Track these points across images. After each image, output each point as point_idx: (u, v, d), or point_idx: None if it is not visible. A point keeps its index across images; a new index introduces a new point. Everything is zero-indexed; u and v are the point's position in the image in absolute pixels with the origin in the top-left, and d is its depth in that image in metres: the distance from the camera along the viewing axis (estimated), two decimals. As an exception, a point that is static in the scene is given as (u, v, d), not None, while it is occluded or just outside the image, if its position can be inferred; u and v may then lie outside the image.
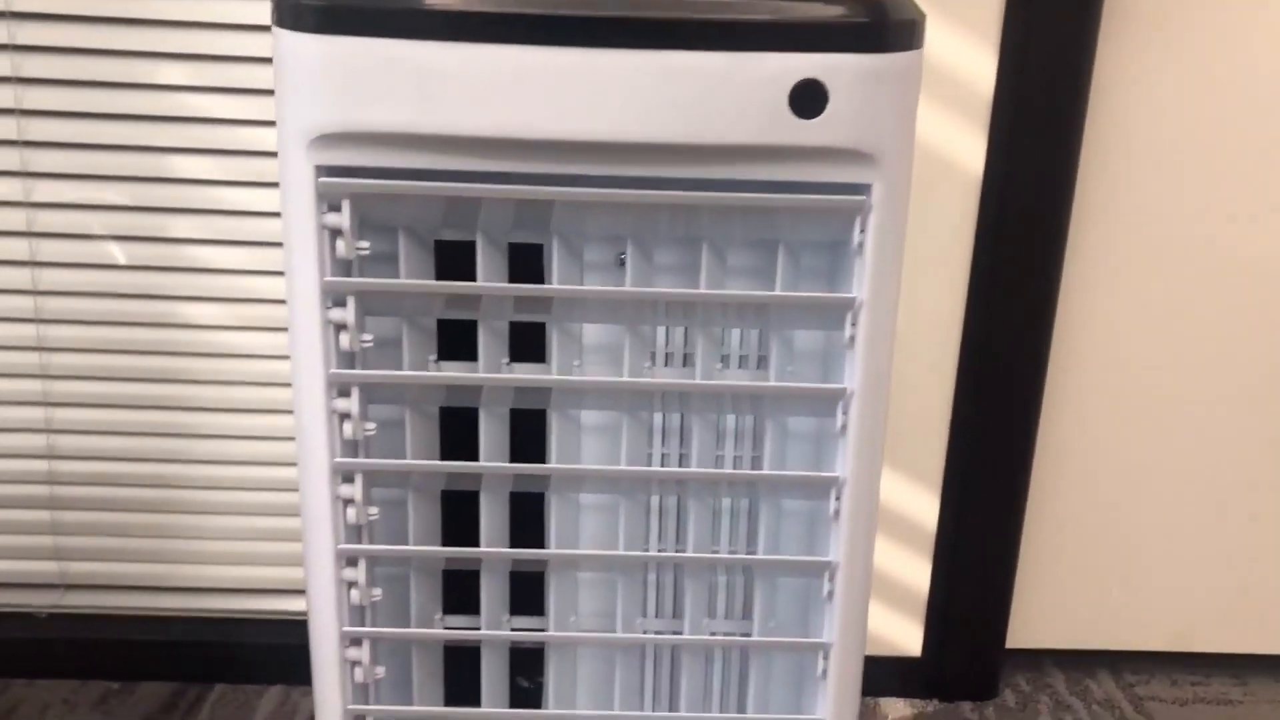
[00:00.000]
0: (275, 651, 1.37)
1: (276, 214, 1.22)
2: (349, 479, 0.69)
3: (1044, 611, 1.45)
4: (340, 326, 0.67)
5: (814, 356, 0.74)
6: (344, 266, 0.67)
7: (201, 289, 1.28)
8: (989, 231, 1.23)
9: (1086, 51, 1.18)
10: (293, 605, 1.40)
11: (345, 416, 0.68)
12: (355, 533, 0.71)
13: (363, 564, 0.70)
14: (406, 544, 0.73)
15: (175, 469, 1.34)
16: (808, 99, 0.61)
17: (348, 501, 0.70)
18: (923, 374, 1.29)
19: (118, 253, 1.27)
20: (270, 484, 1.35)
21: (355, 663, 0.72)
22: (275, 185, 1.22)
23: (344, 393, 0.68)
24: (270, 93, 1.19)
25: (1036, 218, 1.23)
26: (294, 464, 1.31)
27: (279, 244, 1.23)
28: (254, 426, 1.33)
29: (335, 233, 0.65)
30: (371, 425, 0.69)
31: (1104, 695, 1.43)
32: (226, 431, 1.33)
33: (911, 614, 1.39)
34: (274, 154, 1.21)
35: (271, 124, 1.20)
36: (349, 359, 0.69)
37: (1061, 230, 1.24)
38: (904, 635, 1.40)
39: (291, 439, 1.32)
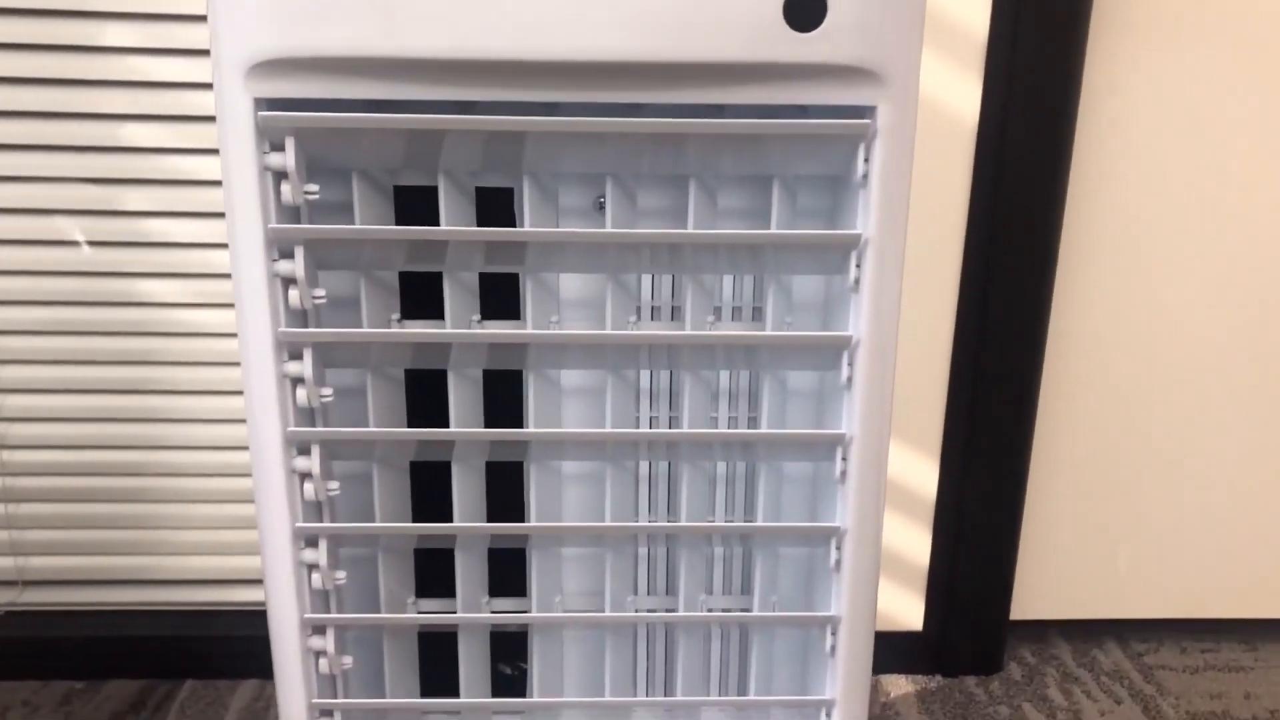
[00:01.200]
0: (247, 644, 1.31)
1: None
2: (305, 451, 0.63)
3: (1048, 582, 1.40)
4: (289, 281, 0.60)
5: (813, 307, 0.68)
6: (291, 214, 0.60)
7: (159, 264, 1.21)
8: (985, 191, 1.17)
9: (1077, 57, 1.13)
10: (261, 595, 1.33)
11: (298, 382, 0.61)
12: (314, 510, 0.65)
13: (323, 544, 0.64)
14: (371, 521, 0.66)
15: (133, 455, 1.27)
16: (804, 9, 0.54)
17: (304, 476, 0.63)
18: (919, 342, 1.23)
19: (67, 227, 1.19)
20: (235, 469, 1.28)
21: (319, 652, 0.66)
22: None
23: (295, 355, 0.61)
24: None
25: (1035, 173, 1.17)
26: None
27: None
28: (217, 409, 1.26)
29: (280, 175, 0.58)
30: (328, 391, 0.62)
31: (1112, 665, 1.38)
32: (188, 415, 1.26)
33: (912, 587, 1.34)
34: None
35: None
36: (300, 318, 0.62)
37: (1061, 185, 1.18)
38: (905, 609, 1.34)
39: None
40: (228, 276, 1.19)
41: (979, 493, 1.31)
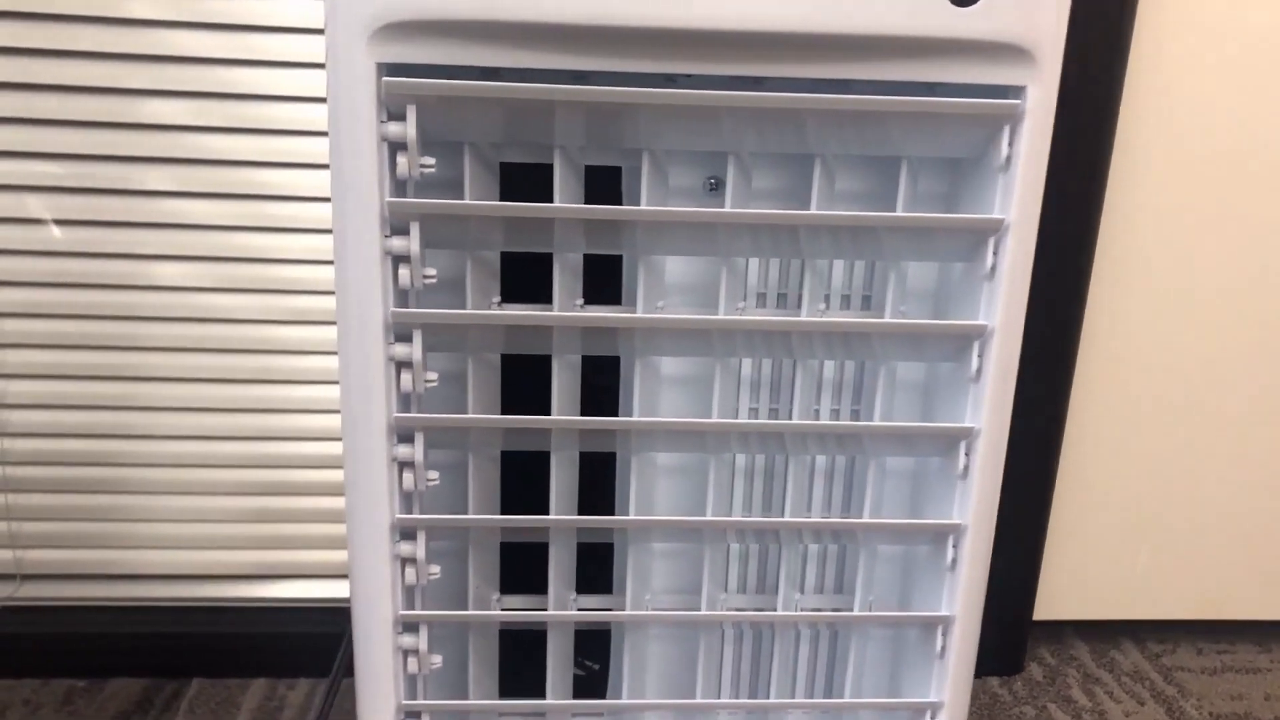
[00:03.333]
0: (258, 641, 1.27)
1: (254, 163, 1.13)
2: (407, 439, 0.59)
3: (1068, 582, 1.39)
4: (401, 259, 0.56)
5: (924, 296, 0.66)
6: (400, 189, 0.57)
7: (170, 246, 1.16)
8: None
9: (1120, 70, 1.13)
10: (272, 591, 1.29)
11: (404, 365, 0.58)
12: (409, 502, 0.61)
13: (421, 537, 0.60)
14: (463, 515, 0.63)
15: (137, 445, 1.22)
16: (965, -18, 0.52)
17: (405, 465, 0.60)
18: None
19: (72, 206, 1.14)
20: (243, 460, 1.24)
21: (410, 651, 0.62)
22: (253, 131, 1.12)
23: (403, 337, 0.58)
24: (246, 28, 1.09)
25: (1072, 189, 1.16)
26: (267, 438, 1.22)
27: (258, 195, 1.13)
28: (223, 398, 1.21)
29: (396, 147, 0.55)
30: (433, 376, 0.59)
31: (1131, 666, 1.38)
32: (192, 404, 1.21)
33: (937, 587, 1.32)
34: (254, 97, 1.11)
35: (253, 63, 1.10)
36: (402, 300, 0.59)
37: (1098, 196, 1.18)
38: (930, 609, 1.33)
39: (263, 410, 1.22)
40: (247, 260, 1.16)
41: (1006, 495, 1.29)
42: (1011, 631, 1.35)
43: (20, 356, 1.18)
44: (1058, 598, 1.40)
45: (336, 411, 1.19)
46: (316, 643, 1.26)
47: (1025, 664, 1.37)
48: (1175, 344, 1.30)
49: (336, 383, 1.13)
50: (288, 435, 1.24)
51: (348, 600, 0.65)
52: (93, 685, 1.25)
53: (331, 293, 1.07)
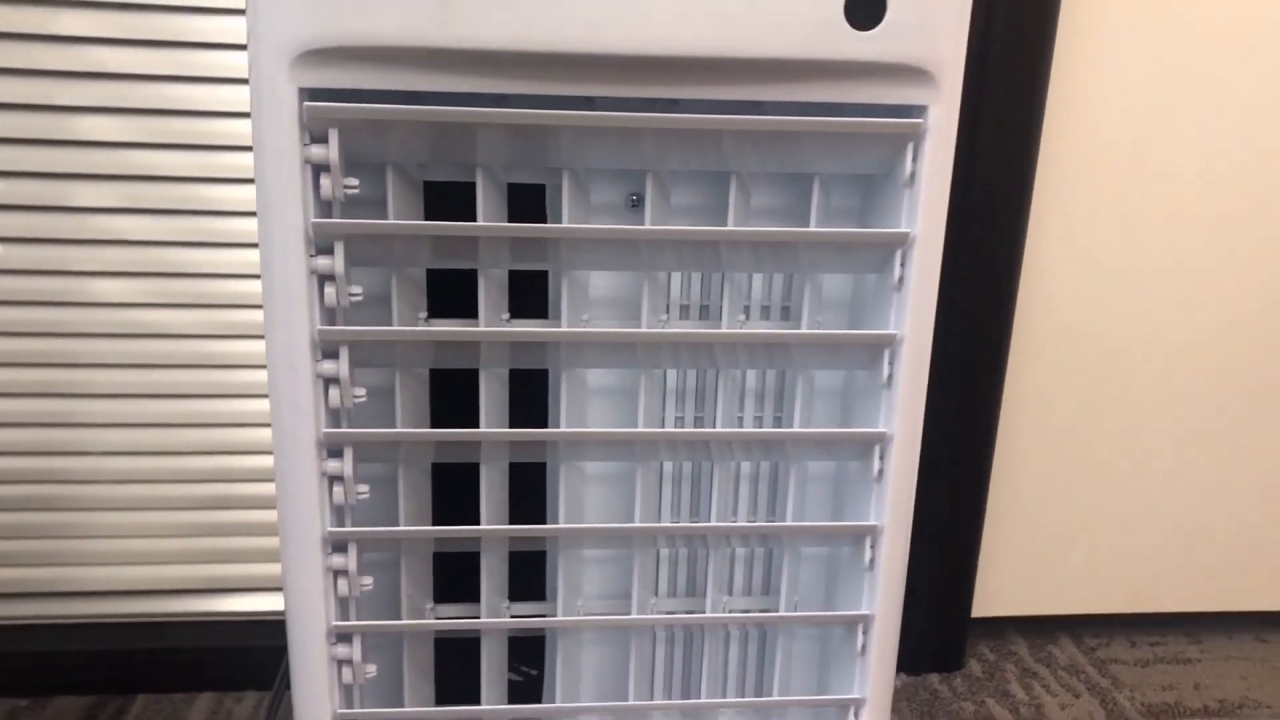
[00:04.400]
0: (203, 655, 1.27)
1: (190, 179, 1.13)
2: (336, 453, 0.61)
3: (1005, 580, 1.43)
4: (325, 278, 0.58)
5: (839, 306, 0.68)
6: (325, 210, 0.58)
7: (107, 262, 1.16)
8: (953, 196, 1.18)
9: (1044, 64, 1.16)
10: (216, 605, 1.29)
11: (332, 382, 0.59)
12: (340, 515, 0.63)
13: (352, 549, 0.62)
14: (394, 527, 0.64)
15: (78, 462, 1.22)
16: (865, 7, 0.54)
17: (334, 479, 0.61)
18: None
19: (7, 224, 1.14)
20: (185, 475, 1.24)
21: (344, 661, 0.64)
22: (190, 147, 1.13)
23: (330, 354, 0.59)
24: (179, 45, 1.09)
25: (1001, 180, 1.19)
26: (208, 452, 1.23)
27: (198, 211, 1.14)
28: (163, 413, 1.22)
29: (319, 169, 0.56)
30: (361, 392, 0.61)
31: (1068, 660, 1.41)
32: (132, 419, 1.22)
33: (876, 586, 1.35)
34: (188, 113, 1.12)
35: (184, 80, 1.10)
36: (329, 318, 0.60)
37: (1027, 188, 1.21)
38: (869, 608, 1.35)
39: (208, 425, 1.22)
40: (185, 275, 1.16)
41: (941, 495, 1.32)
42: (951, 629, 1.38)
43: (-45, 375, 1.18)
44: (997, 595, 1.43)
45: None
46: (262, 656, 1.26)
47: (965, 660, 1.40)
48: (1103, 347, 1.33)
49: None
50: (229, 449, 1.24)
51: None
52: (35, 704, 1.24)
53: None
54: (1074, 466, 1.39)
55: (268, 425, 1.21)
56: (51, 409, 1.20)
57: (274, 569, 1.28)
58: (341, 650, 0.63)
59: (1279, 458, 1.41)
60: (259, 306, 1.17)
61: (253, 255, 1.17)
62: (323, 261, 0.57)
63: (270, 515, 1.26)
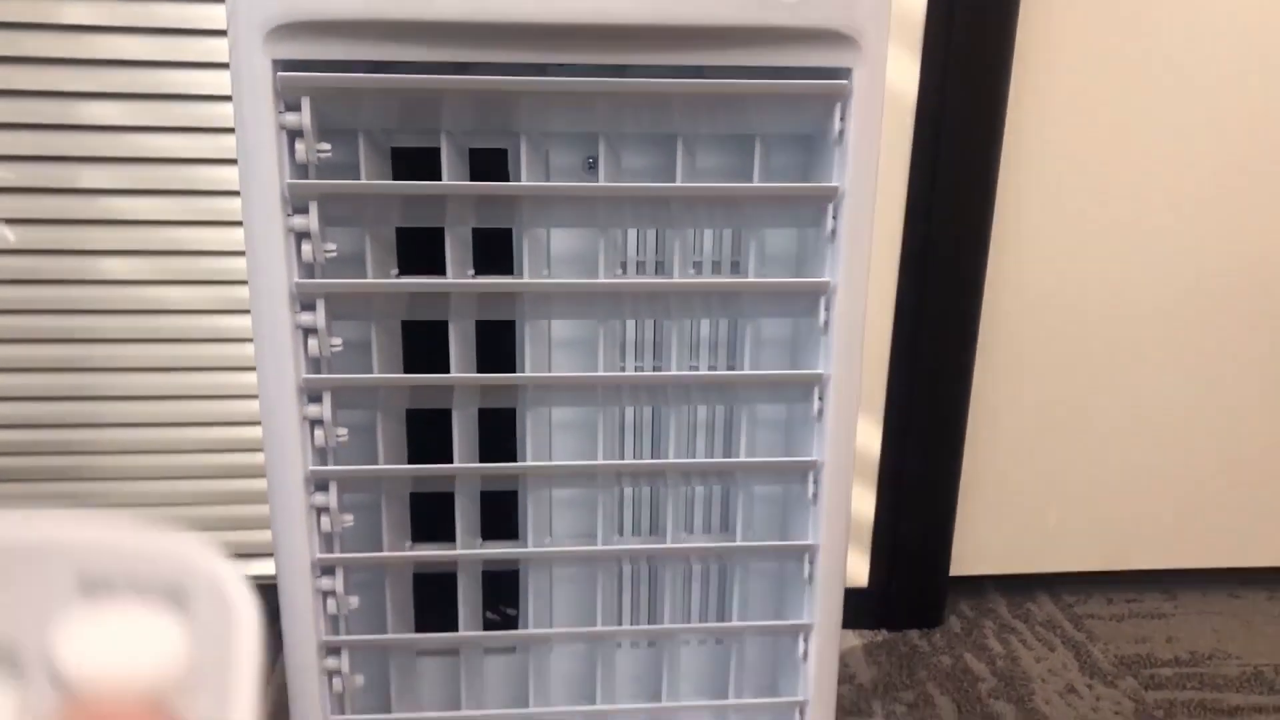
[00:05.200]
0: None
1: (194, 160, 1.18)
2: (315, 399, 0.66)
3: (984, 539, 1.47)
4: (302, 235, 0.63)
5: (786, 259, 0.73)
6: (301, 172, 0.64)
7: (115, 241, 1.22)
8: (925, 159, 1.23)
9: (1009, 35, 1.20)
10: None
11: (309, 333, 0.65)
12: (320, 458, 0.68)
13: (333, 487, 0.67)
14: (373, 466, 0.70)
15: (93, 434, 1.28)
16: (788, -24, 0.59)
17: (315, 423, 0.66)
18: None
19: (18, 206, 1.20)
20: (192, 445, 1.30)
21: (328, 593, 0.69)
22: (193, 130, 1.18)
23: (308, 306, 0.64)
24: (181, 32, 1.15)
25: (970, 141, 1.24)
26: (218, 423, 1.28)
27: (200, 191, 1.19)
28: (174, 385, 1.27)
29: (294, 134, 0.62)
30: (337, 341, 0.66)
31: (1045, 616, 1.46)
32: (144, 392, 1.27)
33: (858, 547, 1.40)
34: (191, 97, 1.17)
35: (186, 65, 1.16)
36: (308, 274, 0.65)
37: (994, 155, 1.25)
38: (851, 567, 1.40)
39: (214, 397, 1.28)
40: (189, 253, 1.22)
41: (919, 457, 1.37)
42: (930, 587, 1.43)
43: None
44: (976, 555, 1.48)
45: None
46: (274, 615, 1.32)
47: (945, 617, 1.45)
48: (1076, 308, 1.38)
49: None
50: (235, 420, 1.29)
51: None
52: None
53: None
54: (1050, 427, 1.43)
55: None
56: (64, 383, 1.26)
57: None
58: (325, 582, 0.69)
59: (1254, 418, 1.45)
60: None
61: (252, 233, 1.22)
62: (299, 220, 0.62)
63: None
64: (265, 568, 1.34)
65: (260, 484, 1.31)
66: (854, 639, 1.40)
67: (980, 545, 1.47)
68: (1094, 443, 1.45)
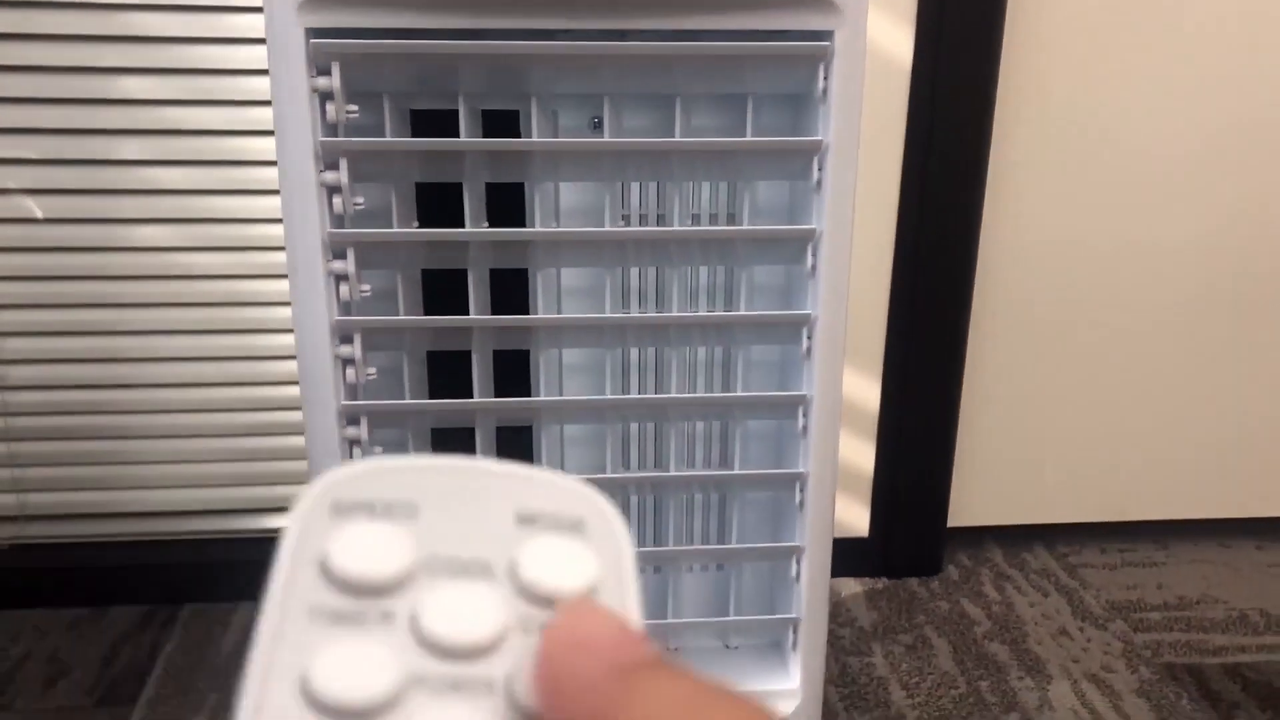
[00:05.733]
0: (243, 568, 1.39)
1: (223, 131, 1.24)
2: (347, 340, 0.72)
3: (982, 492, 1.53)
4: (333, 190, 0.69)
5: (778, 211, 0.79)
6: (331, 131, 0.70)
7: (146, 210, 1.29)
8: (921, 119, 1.29)
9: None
10: (254, 524, 1.42)
11: (342, 279, 0.71)
12: (353, 393, 0.74)
13: (364, 422, 0.73)
14: (399, 401, 0.76)
15: (126, 395, 1.35)
16: (775, -53, 0.65)
17: (347, 362, 0.73)
18: (860, 272, 1.34)
19: (53, 178, 1.26)
20: (223, 405, 1.36)
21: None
22: (222, 103, 1.24)
23: (339, 255, 0.71)
24: (211, 9, 1.21)
25: (964, 107, 1.29)
26: (244, 384, 1.35)
27: (229, 161, 1.25)
28: (203, 348, 1.34)
29: (324, 97, 0.68)
30: (366, 287, 0.72)
31: (1040, 565, 1.52)
32: (174, 354, 1.34)
33: (859, 498, 1.46)
34: (221, 71, 1.23)
35: (216, 41, 1.22)
36: (338, 225, 0.72)
37: (989, 113, 1.30)
38: (853, 518, 1.46)
39: (241, 359, 1.34)
40: (218, 221, 1.28)
41: (917, 411, 1.43)
42: (929, 537, 1.49)
43: (15, 316, 1.30)
44: (974, 507, 1.54)
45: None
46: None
47: (944, 566, 1.51)
48: (1073, 262, 1.43)
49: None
50: (260, 381, 1.36)
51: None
52: (95, 613, 1.37)
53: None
54: (1047, 382, 1.48)
55: (291, 358, 1.33)
56: (98, 346, 1.33)
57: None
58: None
59: (1248, 370, 1.50)
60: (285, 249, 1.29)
61: (276, 201, 1.28)
62: (330, 175, 0.69)
63: (297, 441, 1.38)
64: (278, 522, 1.41)
65: (284, 441, 1.38)
66: (855, 586, 1.46)
67: (978, 497, 1.53)
68: (1090, 397, 1.50)
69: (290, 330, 1.32)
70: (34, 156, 1.25)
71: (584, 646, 0.21)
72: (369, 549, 0.23)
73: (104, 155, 1.26)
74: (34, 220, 1.27)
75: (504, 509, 0.24)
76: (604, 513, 0.25)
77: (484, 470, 0.25)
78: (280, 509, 1.42)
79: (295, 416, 1.37)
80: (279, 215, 1.26)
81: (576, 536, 0.24)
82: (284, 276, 1.29)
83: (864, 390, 1.41)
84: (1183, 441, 1.53)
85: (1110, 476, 1.55)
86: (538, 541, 0.24)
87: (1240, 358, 1.49)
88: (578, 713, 0.20)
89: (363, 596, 0.22)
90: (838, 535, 1.44)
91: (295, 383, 1.33)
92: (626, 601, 0.24)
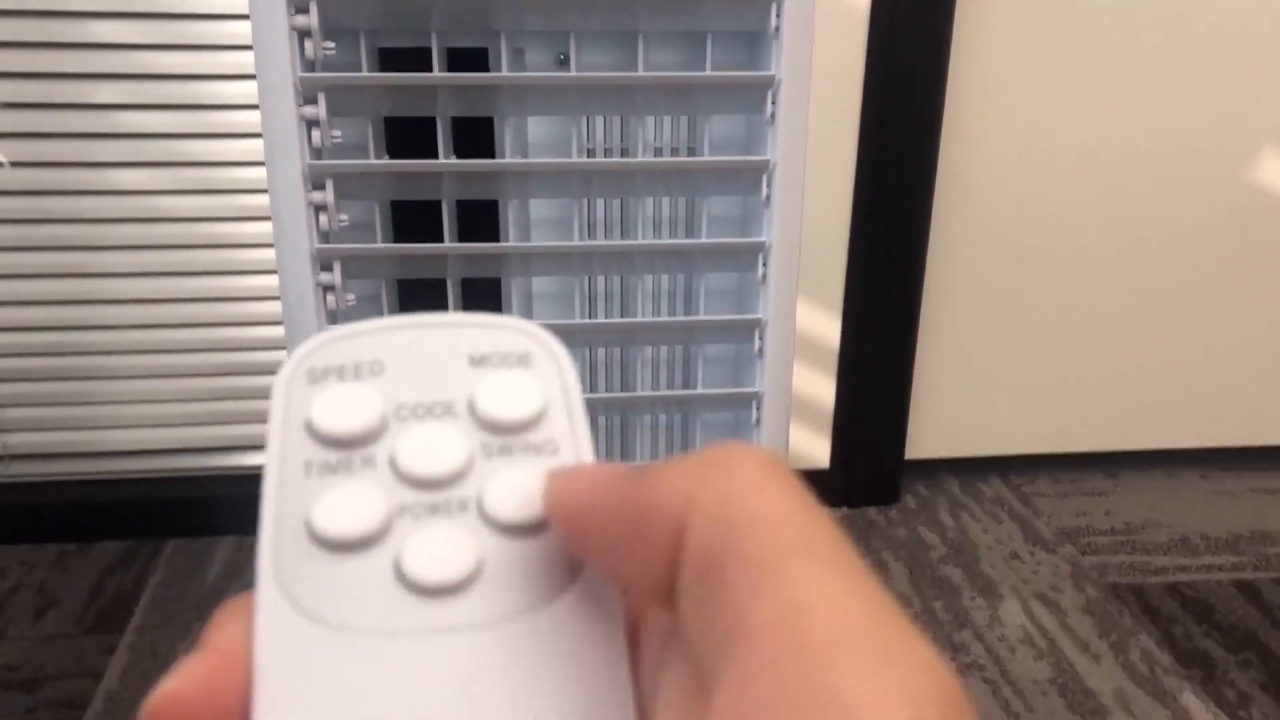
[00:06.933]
0: (225, 504, 1.44)
1: (198, 76, 1.27)
2: (327, 267, 0.76)
3: (939, 424, 1.59)
4: (313, 123, 0.73)
5: (736, 144, 0.83)
6: (309, 68, 0.73)
7: (122, 154, 1.31)
8: (877, 59, 1.33)
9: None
10: (234, 461, 1.46)
11: (321, 209, 0.75)
12: (334, 319, 0.78)
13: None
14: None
15: (102, 336, 1.38)
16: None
17: (327, 289, 0.77)
18: (821, 210, 1.39)
19: (29, 121, 1.29)
20: (197, 345, 1.40)
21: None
22: (195, 48, 1.27)
23: (319, 186, 0.74)
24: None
25: (921, 37, 1.33)
26: (220, 324, 1.38)
27: (204, 106, 1.28)
28: (175, 289, 1.37)
29: (303, 35, 0.71)
30: (345, 217, 0.76)
31: (994, 495, 1.58)
32: (147, 296, 1.37)
33: (819, 430, 1.51)
34: (195, 16, 1.26)
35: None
36: (318, 156, 0.75)
37: (945, 44, 1.34)
38: (813, 449, 1.52)
39: (216, 300, 1.37)
40: (193, 165, 1.31)
41: (876, 347, 1.48)
42: (886, 468, 1.55)
43: (-3, 256, 1.33)
44: (930, 439, 1.59)
45: (278, 298, 1.36)
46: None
47: (902, 496, 1.57)
48: (1026, 195, 1.47)
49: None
50: (236, 321, 1.39)
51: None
52: (81, 548, 1.41)
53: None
54: (1001, 317, 1.53)
55: (270, 300, 1.36)
56: (75, 288, 1.36)
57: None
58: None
59: (1195, 305, 1.55)
60: (260, 191, 1.33)
61: (251, 145, 1.32)
62: (309, 110, 0.72)
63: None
64: (256, 459, 1.45)
65: (263, 381, 1.42)
66: (817, 515, 1.52)
67: (935, 430, 1.59)
68: (1043, 332, 1.55)
69: (268, 272, 1.36)
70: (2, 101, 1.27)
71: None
72: (345, 406, 0.26)
73: (80, 99, 1.28)
74: (2, 166, 1.30)
75: (457, 354, 0.27)
76: (547, 345, 0.28)
77: (435, 322, 0.28)
78: (248, 447, 1.46)
79: (273, 356, 1.41)
80: (251, 159, 1.31)
81: (524, 369, 0.27)
82: (260, 219, 1.33)
83: (825, 326, 1.46)
84: (1132, 375, 1.59)
85: (1063, 409, 1.61)
86: (490, 378, 0.27)
87: (1188, 297, 1.55)
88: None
89: (346, 448, 0.26)
90: (799, 467, 1.50)
91: (273, 323, 1.37)
92: (574, 421, 0.27)
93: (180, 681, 0.22)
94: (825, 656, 0.18)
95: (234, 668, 0.23)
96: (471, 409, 0.27)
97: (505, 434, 0.26)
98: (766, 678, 0.18)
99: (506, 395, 0.27)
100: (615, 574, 0.24)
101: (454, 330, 0.28)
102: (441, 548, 0.25)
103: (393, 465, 0.26)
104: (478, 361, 0.27)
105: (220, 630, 0.24)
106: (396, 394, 0.27)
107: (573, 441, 0.27)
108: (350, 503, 0.25)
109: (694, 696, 0.21)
